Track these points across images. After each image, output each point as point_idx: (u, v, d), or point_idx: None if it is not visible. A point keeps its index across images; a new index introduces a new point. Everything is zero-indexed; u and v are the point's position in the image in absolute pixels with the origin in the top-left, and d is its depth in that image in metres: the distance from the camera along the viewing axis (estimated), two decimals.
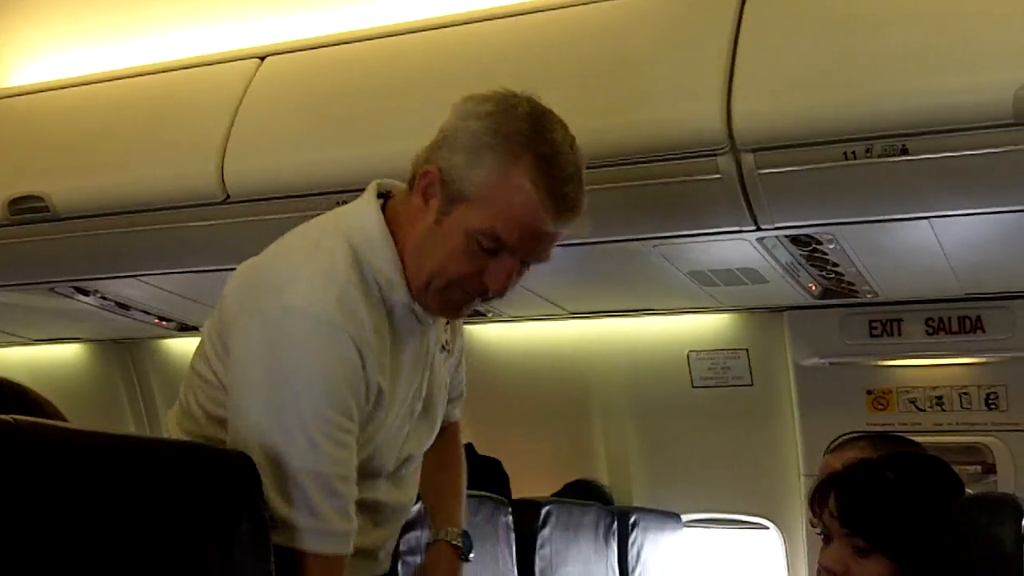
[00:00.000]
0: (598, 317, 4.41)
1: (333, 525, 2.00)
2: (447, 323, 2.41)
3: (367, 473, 2.15)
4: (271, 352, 1.99)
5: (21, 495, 1.39)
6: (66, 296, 4.33)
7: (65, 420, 2.05)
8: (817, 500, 2.41)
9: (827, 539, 2.36)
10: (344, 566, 2.05)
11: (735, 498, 4.57)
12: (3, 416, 1.43)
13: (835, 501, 2.34)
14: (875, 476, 2.35)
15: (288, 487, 1.95)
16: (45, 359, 5.53)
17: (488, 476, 4.00)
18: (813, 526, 2.50)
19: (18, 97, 4.02)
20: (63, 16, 4.02)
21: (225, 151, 3.28)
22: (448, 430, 2.61)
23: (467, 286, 2.13)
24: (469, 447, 4.08)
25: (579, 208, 2.14)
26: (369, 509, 2.21)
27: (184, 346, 5.27)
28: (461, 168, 2.07)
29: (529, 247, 2.11)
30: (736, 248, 3.31)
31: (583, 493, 4.46)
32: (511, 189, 2.05)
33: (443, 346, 2.39)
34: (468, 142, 2.08)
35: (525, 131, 2.07)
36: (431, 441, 2.43)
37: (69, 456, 1.49)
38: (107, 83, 3.79)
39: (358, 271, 2.09)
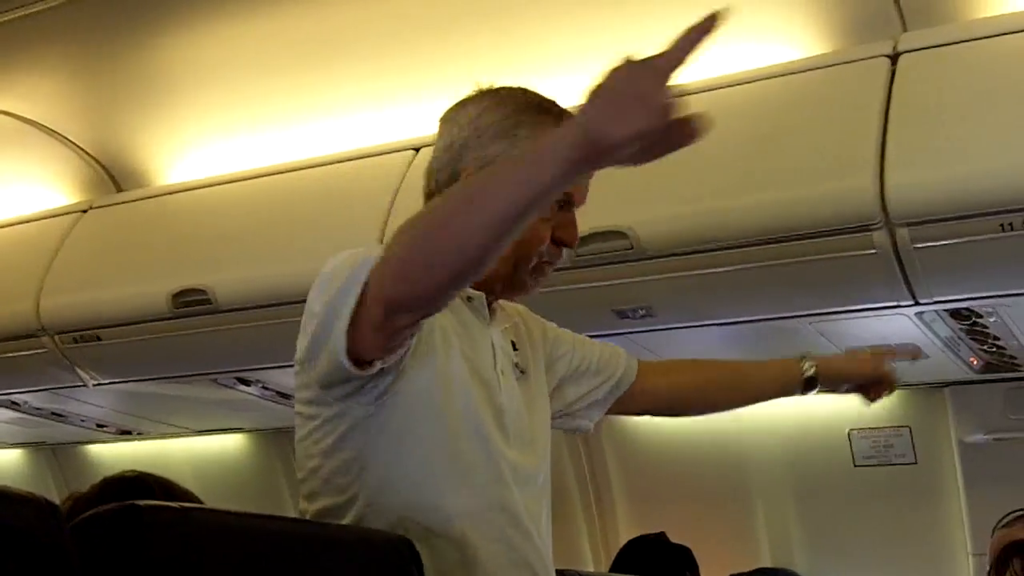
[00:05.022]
0: None
1: None
2: (514, 346, 2.35)
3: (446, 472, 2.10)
4: None
5: None
6: (228, 387, 4.40)
7: None
8: (999, 565, 2.42)
9: None
10: None
11: None
12: (171, 503, 1.47)
13: (1021, 566, 2.35)
14: None
15: None
16: (208, 450, 5.62)
17: (679, 564, 3.99)
18: None
19: (179, 194, 4.16)
20: (219, 113, 4.15)
21: (384, 241, 3.34)
22: (663, 363, 2.66)
23: (546, 250, 2.18)
24: (662, 536, 4.09)
25: None
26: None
27: None
28: (495, 156, 2.12)
29: (583, 190, 2.19)
30: (894, 323, 3.26)
31: None
32: None
33: (519, 368, 2.32)
34: (496, 131, 2.14)
35: (532, 100, 2.17)
36: (538, 483, 2.29)
37: (232, 542, 1.52)
38: (266, 177, 3.91)
39: None
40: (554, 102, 2.19)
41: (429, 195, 2.24)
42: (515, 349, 2.33)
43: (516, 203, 1.70)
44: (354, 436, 2.07)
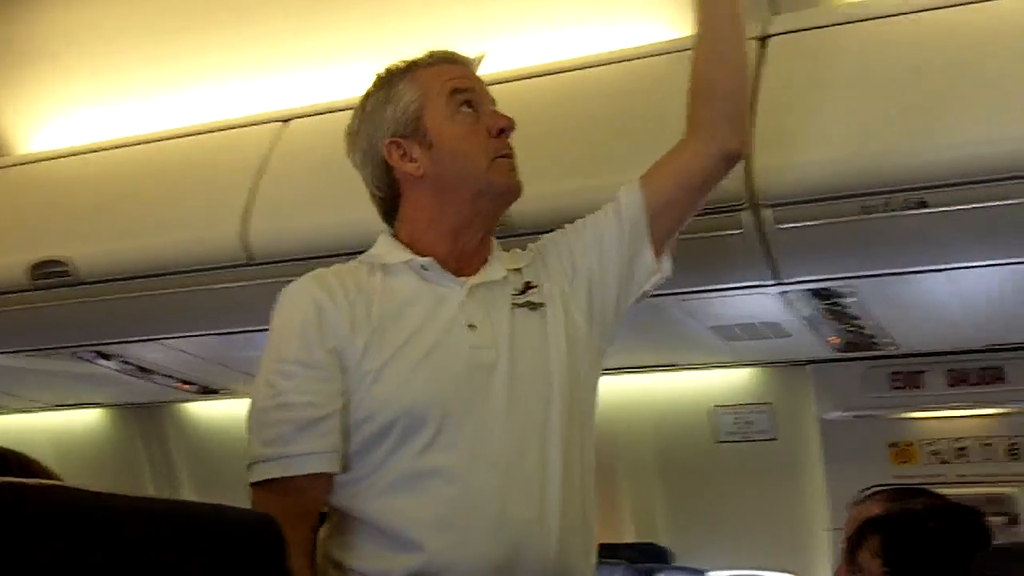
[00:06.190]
0: (621, 373, 4.39)
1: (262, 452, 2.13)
2: (523, 288, 2.39)
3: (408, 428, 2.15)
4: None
5: (39, 561, 1.39)
6: (88, 361, 4.32)
7: None
8: (855, 541, 2.46)
9: None
10: (285, 491, 2.11)
11: (760, 553, 4.53)
12: (18, 479, 1.43)
13: (879, 542, 2.40)
14: (920, 524, 2.42)
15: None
16: (66, 425, 5.53)
17: None
18: (846, 572, 2.53)
19: (40, 163, 4.06)
20: (83, 80, 4.06)
21: (249, 213, 3.31)
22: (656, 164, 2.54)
23: (491, 146, 2.33)
24: None
25: None
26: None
27: (206, 410, 5.26)
28: (396, 117, 2.33)
29: (479, 87, 2.39)
30: (759, 302, 3.31)
31: (644, 556, 4.45)
32: (427, 76, 2.35)
33: (529, 303, 2.37)
34: (379, 102, 2.36)
35: (392, 68, 2.39)
36: (552, 422, 2.26)
37: (85, 520, 1.48)
38: (130, 148, 3.82)
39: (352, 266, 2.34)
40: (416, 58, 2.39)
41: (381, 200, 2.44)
42: (530, 287, 2.39)
43: None
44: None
